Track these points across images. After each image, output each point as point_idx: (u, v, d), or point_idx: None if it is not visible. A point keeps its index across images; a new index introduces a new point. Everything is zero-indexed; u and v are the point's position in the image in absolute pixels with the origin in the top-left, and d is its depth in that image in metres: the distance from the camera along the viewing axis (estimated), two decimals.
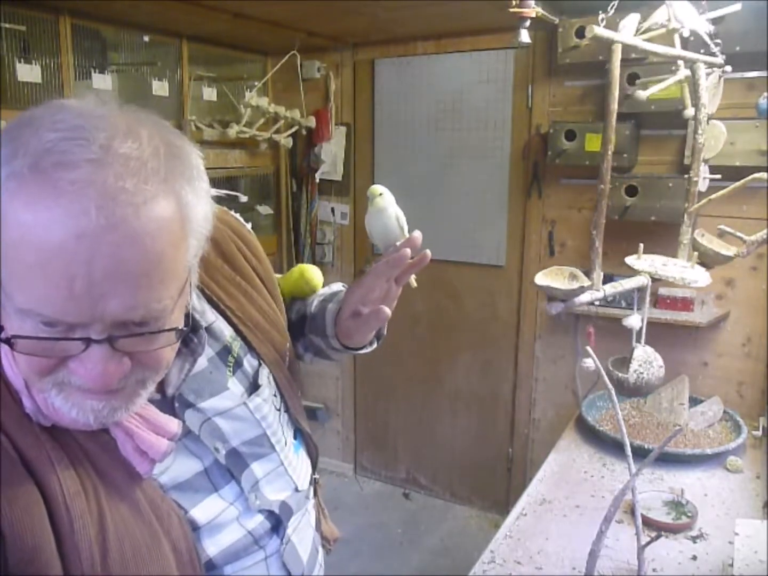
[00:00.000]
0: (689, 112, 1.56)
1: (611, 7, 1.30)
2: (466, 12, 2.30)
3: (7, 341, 0.53)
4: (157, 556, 0.64)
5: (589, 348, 1.21)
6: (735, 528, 1.32)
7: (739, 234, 1.35)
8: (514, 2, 1.83)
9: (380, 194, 0.93)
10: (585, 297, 1.19)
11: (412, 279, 0.91)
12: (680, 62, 1.49)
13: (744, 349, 2.33)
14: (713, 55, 1.49)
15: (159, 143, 0.56)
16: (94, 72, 2.28)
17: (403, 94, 2.89)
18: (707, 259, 1.40)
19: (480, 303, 2.90)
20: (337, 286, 1.01)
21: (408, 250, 0.79)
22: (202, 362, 0.75)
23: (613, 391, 1.18)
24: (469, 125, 2.77)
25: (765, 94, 1.96)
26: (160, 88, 2.51)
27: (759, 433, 1.90)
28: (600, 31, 1.15)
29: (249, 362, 0.81)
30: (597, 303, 2.36)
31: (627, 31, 1.26)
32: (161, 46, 2.55)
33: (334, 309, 0.91)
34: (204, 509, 0.71)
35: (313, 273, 1.01)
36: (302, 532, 0.83)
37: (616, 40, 1.18)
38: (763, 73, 2.12)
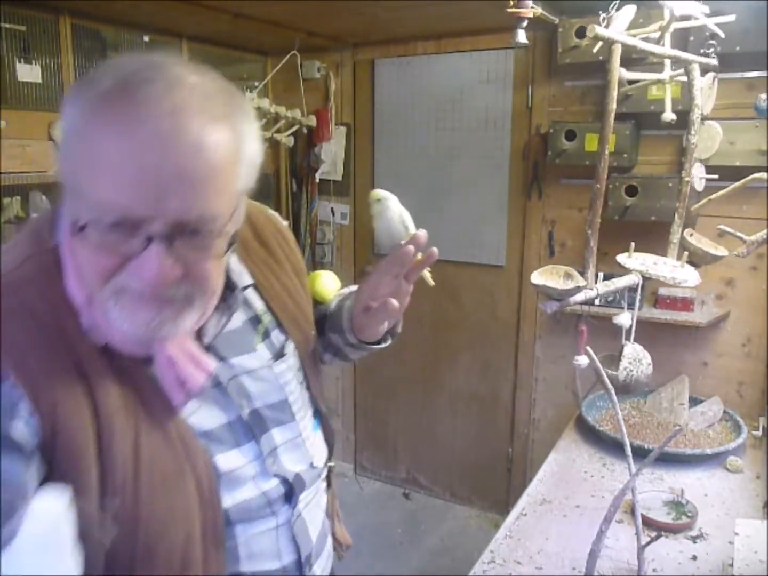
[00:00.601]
0: (668, 115, 1.56)
1: (612, 7, 1.30)
2: (466, 12, 2.30)
3: (82, 228, 0.61)
4: (183, 488, 0.68)
5: (588, 348, 1.21)
6: (735, 528, 1.32)
7: (739, 234, 1.35)
8: (511, 2, 1.83)
9: (378, 200, 0.96)
10: (579, 296, 1.19)
11: (429, 277, 0.95)
12: (667, 62, 1.49)
13: (744, 349, 2.33)
14: (713, 47, 1.49)
15: (221, 85, 0.67)
16: None
17: (403, 94, 2.89)
18: (696, 258, 1.40)
19: (480, 303, 2.90)
20: (356, 287, 1.04)
21: (411, 247, 0.81)
22: (236, 321, 0.81)
23: (612, 392, 1.18)
24: (469, 125, 2.77)
25: (763, 95, 1.96)
26: None
27: (759, 433, 1.90)
28: (601, 30, 1.15)
29: (276, 336, 0.86)
30: (597, 303, 2.38)
31: (620, 22, 1.26)
32: (161, 46, 2.55)
33: (350, 305, 0.95)
34: (225, 459, 0.74)
35: (324, 284, 1.04)
36: (313, 512, 0.85)
37: (616, 40, 1.18)
38: (763, 73, 2.12)
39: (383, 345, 0.98)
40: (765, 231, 1.33)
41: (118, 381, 0.67)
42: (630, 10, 1.31)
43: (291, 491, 0.80)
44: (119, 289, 0.63)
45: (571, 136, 2.37)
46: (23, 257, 0.68)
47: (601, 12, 1.33)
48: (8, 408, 0.60)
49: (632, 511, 1.29)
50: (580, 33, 2.25)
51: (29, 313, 0.65)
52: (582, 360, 1.31)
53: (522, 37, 1.92)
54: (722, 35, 1.52)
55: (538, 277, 1.15)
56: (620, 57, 1.19)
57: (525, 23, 1.90)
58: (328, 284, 1.04)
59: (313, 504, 0.86)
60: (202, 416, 0.74)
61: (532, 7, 1.85)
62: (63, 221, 0.68)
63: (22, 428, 0.60)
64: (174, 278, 0.64)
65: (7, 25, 1.99)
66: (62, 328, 0.66)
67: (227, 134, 0.63)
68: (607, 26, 1.24)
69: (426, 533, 2.88)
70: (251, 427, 0.78)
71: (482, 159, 2.76)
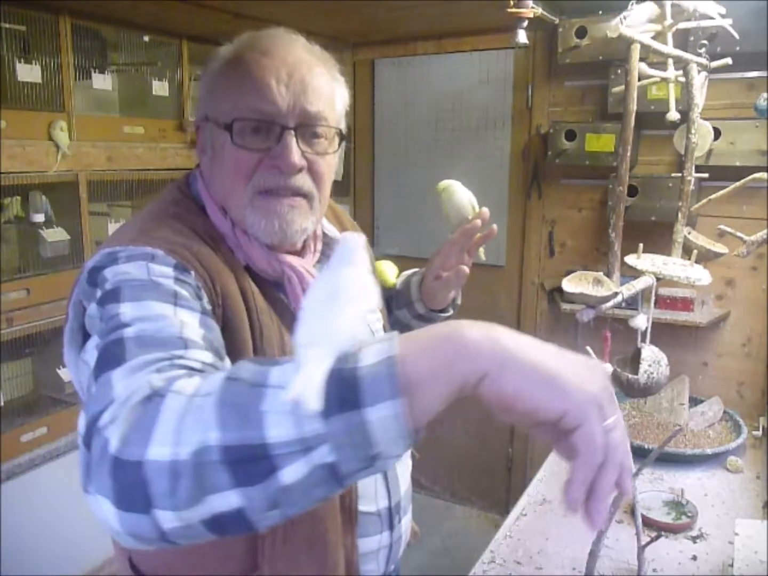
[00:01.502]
0: (672, 114, 1.56)
1: (631, 6, 1.29)
2: (466, 12, 2.30)
3: (229, 126, 0.81)
4: None
5: (589, 348, 1.21)
6: (735, 528, 1.32)
7: (739, 234, 1.35)
8: (511, 2, 1.83)
9: (444, 188, 1.14)
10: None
11: (482, 253, 1.12)
12: (669, 62, 1.49)
13: (744, 349, 2.33)
14: (704, 46, 1.49)
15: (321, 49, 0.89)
16: (94, 72, 2.27)
17: (403, 94, 2.89)
18: (699, 256, 1.41)
19: (480, 303, 2.90)
20: (416, 270, 1.21)
21: (478, 221, 1.02)
22: None
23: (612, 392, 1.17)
24: (469, 125, 2.77)
25: (763, 95, 1.96)
26: (160, 88, 2.50)
27: (759, 433, 1.90)
28: (625, 30, 1.15)
29: None
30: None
31: (631, 22, 1.26)
32: (161, 46, 2.54)
33: (418, 279, 1.12)
34: None
35: (385, 271, 1.18)
36: (401, 467, 0.95)
37: (636, 40, 1.18)
38: (763, 73, 2.12)
39: (448, 314, 1.15)
40: (765, 231, 1.34)
41: (263, 293, 0.83)
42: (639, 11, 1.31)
43: None
44: (256, 191, 0.82)
45: (571, 136, 2.37)
46: (173, 201, 0.87)
47: (600, 11, 1.33)
48: (195, 289, 0.75)
49: (632, 511, 1.29)
50: (580, 33, 2.25)
51: (193, 232, 0.82)
52: (607, 367, 1.32)
53: (522, 37, 1.92)
54: (736, 36, 1.51)
55: (570, 285, 1.17)
56: (619, 55, 1.20)
57: (525, 23, 1.90)
58: (388, 270, 1.20)
59: (402, 461, 0.95)
60: None
61: (532, 7, 1.85)
62: (203, 149, 0.88)
63: (205, 306, 0.75)
64: (301, 167, 0.82)
65: (7, 25, 1.99)
66: (217, 246, 0.82)
67: (326, 70, 0.87)
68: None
69: (426, 533, 2.86)
70: None
71: (482, 159, 2.76)
